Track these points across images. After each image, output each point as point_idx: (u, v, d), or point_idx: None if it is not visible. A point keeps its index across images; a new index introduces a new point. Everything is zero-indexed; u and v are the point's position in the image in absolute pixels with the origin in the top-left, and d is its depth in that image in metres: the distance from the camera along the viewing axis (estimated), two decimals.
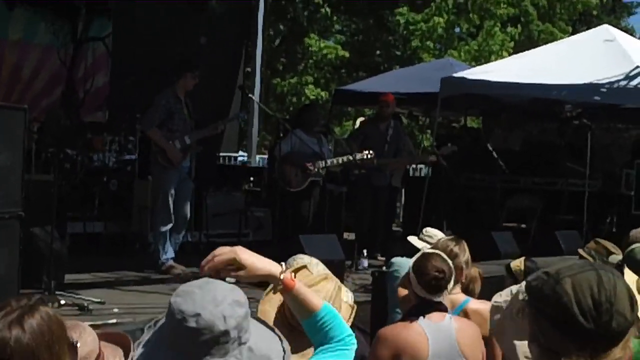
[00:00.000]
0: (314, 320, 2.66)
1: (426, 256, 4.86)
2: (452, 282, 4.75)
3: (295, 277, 2.62)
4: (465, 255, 5.45)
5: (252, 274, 2.45)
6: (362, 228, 11.76)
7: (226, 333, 2.30)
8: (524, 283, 3.64)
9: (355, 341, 2.82)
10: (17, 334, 2.23)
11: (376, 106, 12.96)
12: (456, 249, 5.40)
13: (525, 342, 3.52)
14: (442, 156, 12.11)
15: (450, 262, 4.86)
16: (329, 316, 2.70)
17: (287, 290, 2.58)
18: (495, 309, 3.59)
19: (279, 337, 2.48)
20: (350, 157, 10.92)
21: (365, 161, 11.00)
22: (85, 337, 2.88)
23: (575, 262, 2.46)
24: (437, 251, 5.09)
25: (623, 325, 2.31)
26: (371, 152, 10.91)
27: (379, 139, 11.81)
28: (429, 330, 4.54)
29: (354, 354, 2.81)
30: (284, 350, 2.44)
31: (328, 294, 3.41)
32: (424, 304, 4.69)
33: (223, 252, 2.47)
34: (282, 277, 2.55)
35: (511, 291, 3.57)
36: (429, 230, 6.74)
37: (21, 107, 7.16)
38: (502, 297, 3.61)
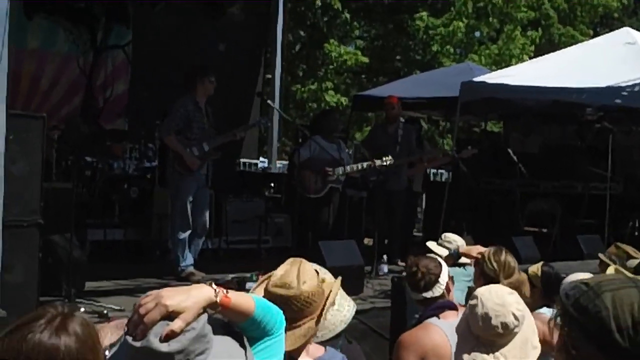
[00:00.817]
0: (250, 322, 2.59)
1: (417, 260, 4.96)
2: (444, 277, 4.81)
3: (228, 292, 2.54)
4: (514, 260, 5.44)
5: (193, 314, 2.32)
6: (380, 233, 11.74)
7: (169, 356, 2.24)
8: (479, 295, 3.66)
9: (283, 317, 2.76)
10: (66, 340, 2.23)
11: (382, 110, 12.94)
12: (514, 264, 5.38)
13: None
14: (462, 159, 12.07)
15: (437, 258, 4.96)
16: (263, 311, 2.62)
17: (225, 309, 2.48)
18: None
19: (240, 339, 2.46)
20: (371, 164, 10.90)
21: (385, 167, 10.98)
22: None
23: (618, 276, 2.40)
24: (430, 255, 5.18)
25: None
26: (391, 158, 10.89)
27: (389, 141, 11.79)
28: (446, 329, 4.55)
29: (284, 330, 2.77)
30: (245, 351, 2.42)
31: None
32: (432, 306, 4.73)
33: (147, 307, 2.29)
34: (218, 300, 2.44)
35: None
36: (448, 236, 6.75)
37: (39, 116, 7.19)
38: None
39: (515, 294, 3.76)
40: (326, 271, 3.82)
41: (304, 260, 3.39)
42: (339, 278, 3.62)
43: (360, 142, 13.52)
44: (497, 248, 5.56)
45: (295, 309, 3.22)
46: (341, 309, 3.89)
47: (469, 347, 3.52)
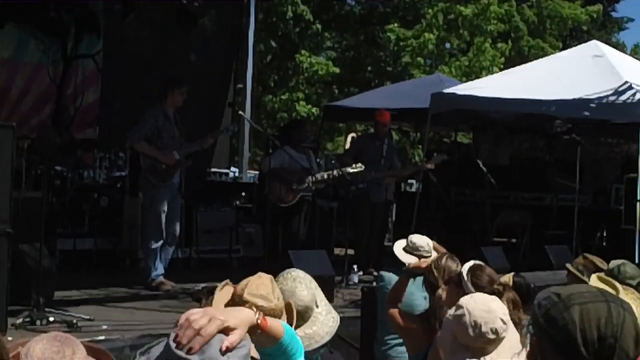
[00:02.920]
0: (277, 347, 2.66)
1: (481, 269, 4.86)
2: None
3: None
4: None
5: (244, 331, 2.36)
6: (361, 244, 11.77)
7: None
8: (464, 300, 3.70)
9: (302, 345, 2.86)
10: None
11: (371, 123, 12.97)
12: (456, 268, 5.36)
13: None
14: (432, 168, 12.13)
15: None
16: (290, 337, 2.70)
17: (263, 331, 2.55)
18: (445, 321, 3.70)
19: None
20: (340, 172, 10.96)
21: (355, 175, 11.04)
22: (79, 355, 2.86)
23: (589, 290, 2.41)
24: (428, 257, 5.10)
25: None
26: (361, 165, 10.94)
27: (375, 153, 11.84)
28: None
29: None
30: None
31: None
32: None
33: (201, 322, 2.27)
34: (259, 322, 2.51)
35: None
36: (414, 241, 6.54)
37: (9, 125, 7.15)
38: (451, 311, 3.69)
39: (498, 300, 3.81)
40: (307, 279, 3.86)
41: (272, 277, 3.44)
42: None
43: (341, 153, 13.56)
44: (439, 255, 5.56)
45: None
46: (327, 321, 3.91)
47: (460, 358, 3.54)
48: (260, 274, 3.44)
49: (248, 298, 3.28)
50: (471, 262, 5.00)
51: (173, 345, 2.24)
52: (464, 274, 4.86)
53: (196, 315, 2.28)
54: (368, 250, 11.91)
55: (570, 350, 2.27)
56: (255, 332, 2.49)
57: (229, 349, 2.25)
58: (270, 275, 3.46)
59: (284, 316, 3.39)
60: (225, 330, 2.29)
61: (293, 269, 3.97)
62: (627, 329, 2.28)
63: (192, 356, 2.22)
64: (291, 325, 3.40)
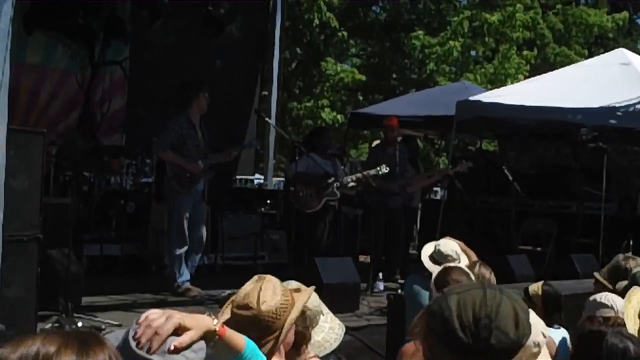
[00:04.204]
0: (238, 359, 2.69)
1: (447, 271, 4.87)
2: None
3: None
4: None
5: (198, 334, 2.42)
6: (378, 251, 11.78)
7: None
8: None
9: None
10: None
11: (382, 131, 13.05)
12: (490, 276, 5.35)
13: None
14: (458, 174, 12.14)
15: (471, 274, 4.90)
16: (252, 353, 2.72)
17: (220, 340, 2.58)
18: None
19: None
20: (364, 173, 11.03)
21: (380, 177, 11.08)
22: None
23: (471, 283, 2.48)
24: (456, 264, 5.07)
25: (504, 343, 2.31)
26: (385, 166, 10.99)
27: (389, 162, 11.87)
28: None
29: None
30: None
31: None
32: None
33: (159, 321, 2.35)
34: (216, 329, 2.55)
35: None
36: (442, 251, 6.51)
37: (40, 131, 7.22)
38: None
39: (534, 313, 3.84)
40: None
41: (268, 277, 3.44)
42: (312, 287, 3.69)
43: (358, 162, 13.58)
44: (472, 263, 5.51)
45: (261, 327, 3.27)
46: (334, 328, 3.94)
47: None
48: (255, 278, 3.46)
49: (234, 311, 3.32)
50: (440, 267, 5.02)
51: (133, 343, 2.30)
52: (432, 284, 4.87)
53: (155, 315, 2.36)
54: (387, 256, 11.93)
55: (450, 336, 2.31)
56: (213, 338, 2.53)
57: (176, 349, 2.30)
58: (264, 277, 3.46)
59: (293, 312, 3.40)
60: (179, 331, 2.35)
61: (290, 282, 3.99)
62: (504, 310, 2.33)
63: (154, 356, 2.29)
64: (299, 310, 3.42)
